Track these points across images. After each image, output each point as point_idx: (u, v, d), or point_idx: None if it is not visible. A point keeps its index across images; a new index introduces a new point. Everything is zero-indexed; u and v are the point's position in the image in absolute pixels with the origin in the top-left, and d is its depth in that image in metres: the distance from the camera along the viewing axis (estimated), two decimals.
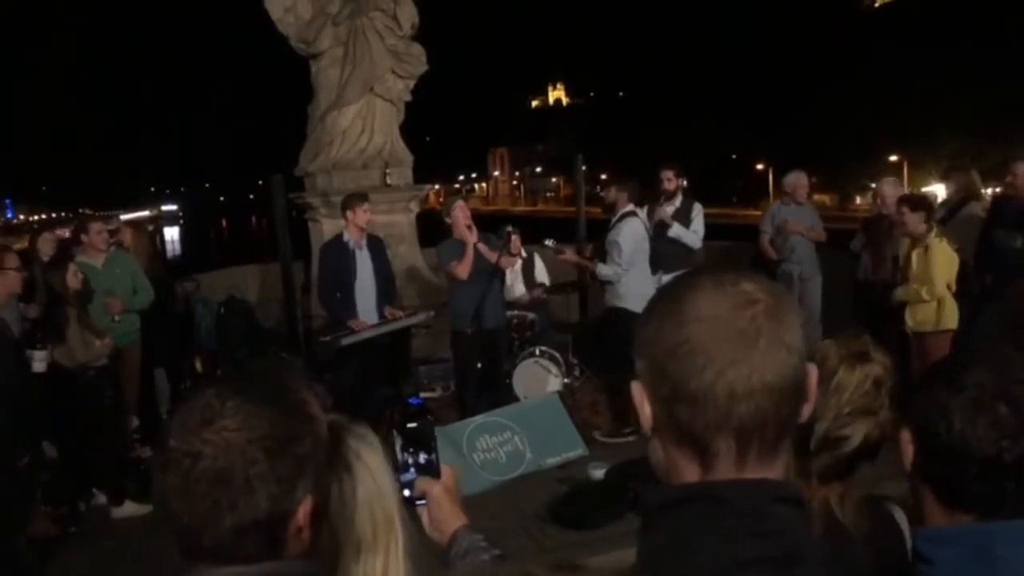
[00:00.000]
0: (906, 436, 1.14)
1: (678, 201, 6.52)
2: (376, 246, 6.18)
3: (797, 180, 7.12)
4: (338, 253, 6.02)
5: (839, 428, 1.37)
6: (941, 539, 1.07)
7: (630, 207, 5.94)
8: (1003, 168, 6.23)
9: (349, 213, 5.99)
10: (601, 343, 6.09)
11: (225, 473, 0.94)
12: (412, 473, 1.41)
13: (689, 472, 0.85)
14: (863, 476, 1.44)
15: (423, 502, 1.41)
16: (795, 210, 7.04)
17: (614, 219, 5.98)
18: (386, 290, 6.18)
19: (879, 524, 1.39)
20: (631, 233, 5.82)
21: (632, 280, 5.76)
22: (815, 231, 6.97)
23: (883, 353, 1.44)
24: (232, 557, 0.96)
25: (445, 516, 1.41)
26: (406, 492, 1.39)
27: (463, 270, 5.69)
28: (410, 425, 1.41)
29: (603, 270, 5.88)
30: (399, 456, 1.40)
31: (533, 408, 5.78)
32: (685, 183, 6.86)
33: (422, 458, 1.41)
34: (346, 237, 6.04)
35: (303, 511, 0.99)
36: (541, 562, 4.12)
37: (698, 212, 6.57)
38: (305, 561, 1.02)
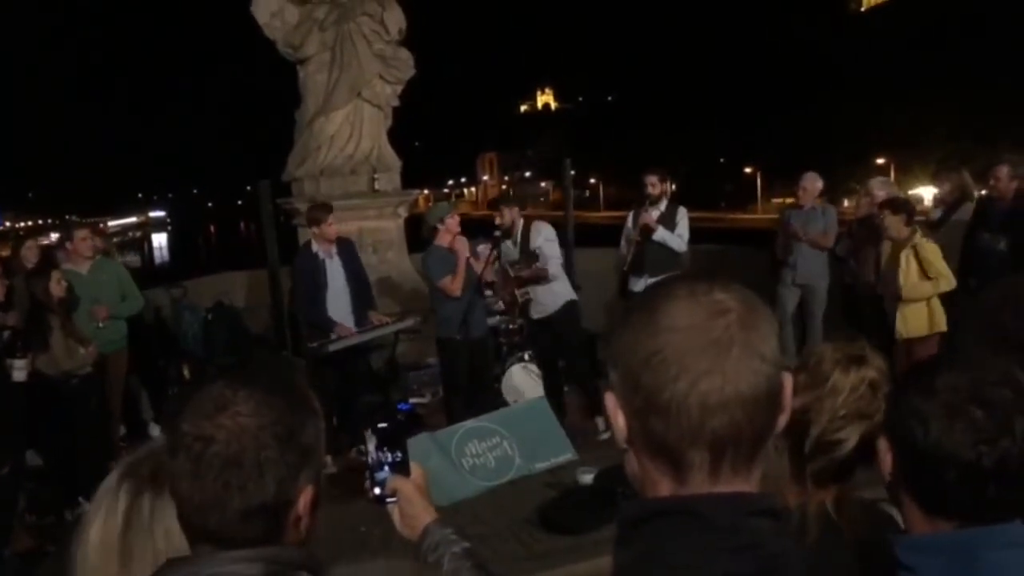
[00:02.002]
0: (883, 444, 1.14)
1: (663, 205, 6.52)
2: (347, 251, 6.09)
3: (801, 183, 6.93)
4: (309, 264, 5.93)
5: (834, 431, 1.36)
6: (922, 548, 1.06)
7: (521, 218, 6.27)
8: (989, 172, 6.26)
9: (315, 229, 5.91)
10: (564, 337, 6.15)
11: (237, 456, 0.99)
12: (386, 471, 1.44)
13: (663, 485, 0.84)
14: (858, 479, 1.43)
15: (394, 499, 1.44)
16: (802, 213, 6.83)
17: (519, 232, 6.10)
18: (360, 295, 6.09)
19: (878, 527, 1.39)
20: (551, 234, 6.11)
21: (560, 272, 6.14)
22: (824, 236, 6.69)
23: (880, 357, 1.44)
24: (235, 541, 1.00)
25: (416, 512, 1.43)
26: (377, 490, 1.44)
27: (456, 287, 5.67)
28: (381, 425, 1.44)
29: (553, 269, 5.98)
30: (373, 455, 1.44)
31: (522, 413, 5.76)
32: (674, 187, 6.83)
33: (394, 456, 1.44)
34: (315, 248, 5.95)
35: (304, 500, 1.04)
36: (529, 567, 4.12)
37: (683, 216, 6.57)
38: (302, 548, 1.06)
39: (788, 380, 0.85)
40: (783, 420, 0.85)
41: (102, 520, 1.20)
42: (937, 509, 1.07)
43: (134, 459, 1.25)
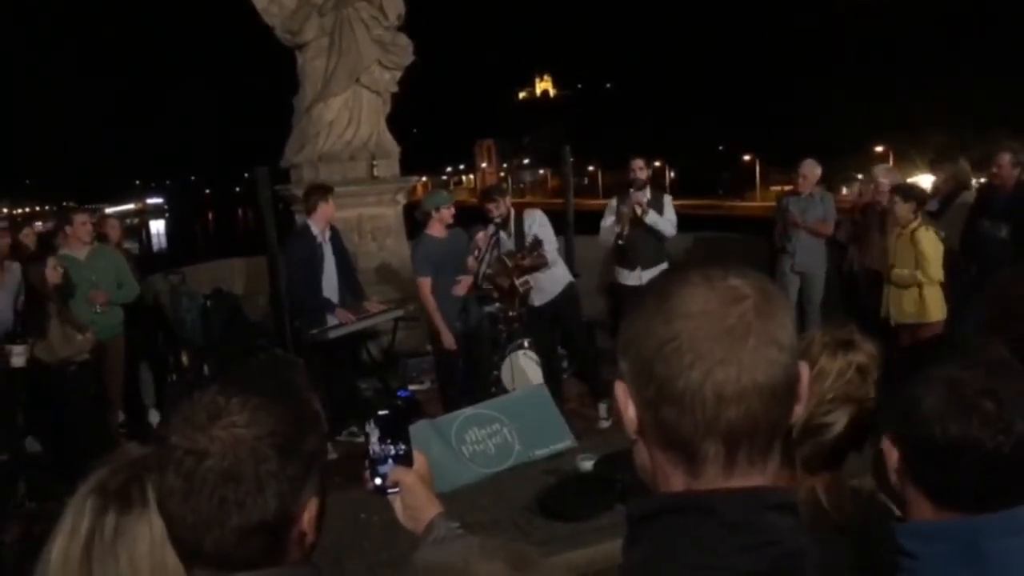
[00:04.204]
0: (887, 443, 1.11)
1: (648, 192, 6.49)
2: (335, 237, 6.11)
3: (800, 170, 6.88)
4: (309, 245, 5.91)
5: (821, 415, 1.35)
6: (924, 534, 1.05)
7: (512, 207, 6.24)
8: (987, 160, 6.26)
9: (322, 204, 5.87)
10: (566, 320, 6.13)
11: (233, 470, 0.91)
12: (390, 464, 1.38)
13: (675, 478, 0.81)
14: (852, 467, 1.42)
15: (395, 490, 1.38)
16: (800, 200, 6.80)
17: (512, 220, 6.04)
18: (348, 281, 6.12)
19: (872, 515, 1.38)
20: (545, 220, 6.04)
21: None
22: (823, 224, 6.68)
23: (870, 342, 1.43)
24: (234, 563, 0.93)
25: (420, 504, 1.38)
26: (378, 480, 1.37)
27: (427, 294, 5.68)
28: (381, 412, 1.38)
29: (551, 255, 5.95)
30: (376, 448, 1.38)
31: (521, 400, 5.76)
32: (673, 174, 6.81)
33: (398, 449, 1.38)
34: (314, 230, 5.93)
35: (308, 515, 0.97)
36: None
37: (668, 203, 6.57)
38: (309, 567, 0.99)
39: (805, 369, 0.83)
40: (799, 410, 0.83)
41: (65, 539, 1.10)
42: (950, 501, 1.06)
43: (105, 472, 1.15)
